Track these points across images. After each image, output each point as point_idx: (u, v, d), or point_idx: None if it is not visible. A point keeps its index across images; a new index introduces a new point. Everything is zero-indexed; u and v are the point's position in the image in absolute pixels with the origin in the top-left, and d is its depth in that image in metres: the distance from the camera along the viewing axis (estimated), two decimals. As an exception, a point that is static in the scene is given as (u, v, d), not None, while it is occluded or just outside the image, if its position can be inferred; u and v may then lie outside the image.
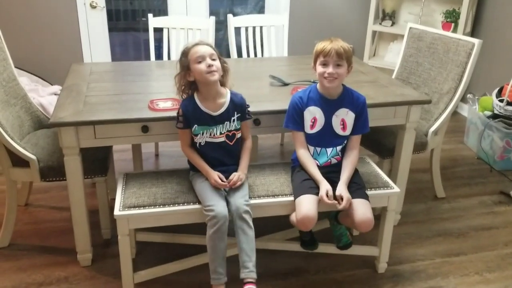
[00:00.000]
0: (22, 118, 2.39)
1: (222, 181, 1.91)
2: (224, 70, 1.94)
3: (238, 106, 1.95)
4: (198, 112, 1.91)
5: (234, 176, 1.92)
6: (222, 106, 1.93)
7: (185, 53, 1.90)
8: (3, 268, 2.20)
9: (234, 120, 1.94)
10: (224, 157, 1.98)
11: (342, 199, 1.90)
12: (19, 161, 2.16)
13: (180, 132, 1.96)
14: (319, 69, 1.92)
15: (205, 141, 1.94)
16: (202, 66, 1.84)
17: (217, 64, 1.87)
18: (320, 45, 1.92)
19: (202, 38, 1.97)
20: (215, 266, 1.89)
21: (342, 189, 1.92)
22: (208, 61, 1.84)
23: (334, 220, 2.16)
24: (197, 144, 1.95)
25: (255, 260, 1.88)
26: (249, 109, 1.99)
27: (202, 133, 1.93)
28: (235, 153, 2.01)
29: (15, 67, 2.49)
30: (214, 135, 1.93)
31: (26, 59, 3.82)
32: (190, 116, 1.91)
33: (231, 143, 1.97)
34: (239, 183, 1.92)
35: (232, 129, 1.95)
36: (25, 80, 3.64)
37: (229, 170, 1.98)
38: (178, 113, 1.94)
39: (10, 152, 2.14)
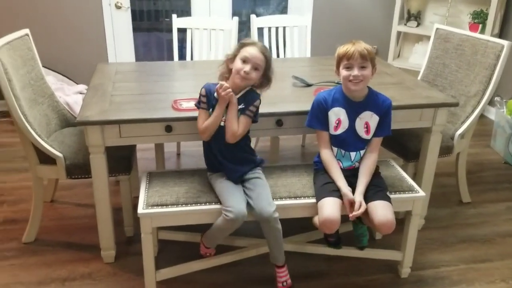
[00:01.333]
0: (49, 117, 2.43)
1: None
2: (262, 84, 1.93)
3: (247, 100, 1.92)
4: (214, 97, 1.91)
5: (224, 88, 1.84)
6: (237, 95, 1.92)
7: (241, 45, 1.89)
8: (29, 262, 2.24)
9: (238, 109, 1.91)
10: (227, 148, 1.94)
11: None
12: (46, 159, 2.20)
13: (200, 112, 1.93)
14: (343, 72, 1.90)
15: (220, 125, 1.93)
16: (240, 66, 1.84)
17: (254, 74, 1.86)
18: (342, 49, 1.90)
19: (263, 46, 1.94)
20: (213, 241, 2.08)
21: (360, 199, 1.90)
22: (248, 67, 1.84)
23: (357, 219, 2.13)
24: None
25: (283, 248, 2.01)
26: (258, 111, 1.95)
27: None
28: (239, 146, 1.96)
29: (42, 66, 2.54)
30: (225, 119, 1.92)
31: (52, 58, 3.89)
32: (211, 98, 1.90)
33: None
34: (228, 90, 1.83)
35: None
36: (52, 79, 3.71)
37: (236, 169, 1.97)
38: (200, 93, 1.93)
39: (37, 150, 2.18)
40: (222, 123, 1.92)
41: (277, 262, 2.04)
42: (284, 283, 2.05)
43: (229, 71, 1.92)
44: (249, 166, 2.02)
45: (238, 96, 1.91)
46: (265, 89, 1.96)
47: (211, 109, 1.92)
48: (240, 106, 1.91)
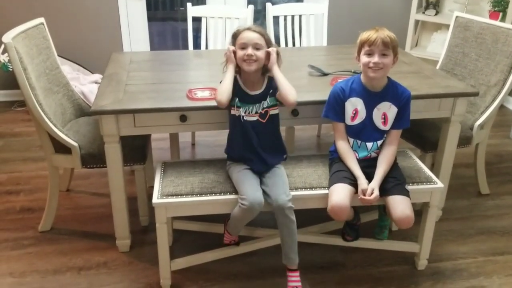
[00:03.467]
0: (64, 106, 2.43)
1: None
2: (272, 60, 1.89)
3: (272, 86, 1.92)
4: (237, 88, 1.91)
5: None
6: (260, 89, 1.92)
7: (234, 35, 1.90)
8: (46, 251, 2.27)
9: (268, 97, 1.92)
10: (255, 139, 1.94)
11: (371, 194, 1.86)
12: (61, 148, 2.21)
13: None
14: (364, 59, 1.86)
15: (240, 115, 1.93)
16: (242, 53, 1.84)
17: (259, 54, 1.84)
18: (365, 35, 1.86)
19: (255, 24, 1.92)
20: (235, 230, 2.07)
21: (375, 187, 1.87)
22: (249, 50, 1.83)
23: (383, 210, 2.11)
24: (239, 118, 1.92)
25: (297, 249, 1.93)
26: None
27: (239, 108, 1.92)
28: (268, 132, 1.96)
29: (58, 55, 2.54)
30: (249, 113, 1.92)
31: (67, 47, 3.91)
32: (232, 90, 1.89)
33: (264, 121, 1.94)
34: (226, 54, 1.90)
35: (265, 107, 1.93)
36: (67, 69, 3.72)
37: (267, 160, 1.97)
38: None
39: (52, 139, 2.19)
40: (255, 117, 1.92)
41: (290, 263, 1.94)
42: None
43: (237, 65, 1.91)
44: (278, 158, 2.02)
45: (262, 89, 1.91)
46: (280, 62, 1.93)
47: (237, 99, 1.90)
48: (270, 92, 1.92)
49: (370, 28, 1.86)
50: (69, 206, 2.64)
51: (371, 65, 1.83)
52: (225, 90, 1.86)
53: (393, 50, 1.84)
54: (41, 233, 2.39)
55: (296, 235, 1.91)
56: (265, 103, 1.93)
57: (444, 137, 2.29)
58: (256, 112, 1.92)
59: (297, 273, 1.97)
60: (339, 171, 1.94)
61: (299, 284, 1.95)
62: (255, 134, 1.94)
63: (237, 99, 1.91)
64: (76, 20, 3.96)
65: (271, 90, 1.93)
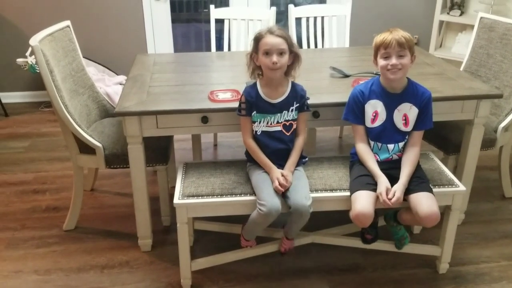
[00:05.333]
0: (90, 107, 2.48)
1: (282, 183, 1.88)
2: (293, 62, 1.90)
3: (298, 96, 1.93)
4: (259, 99, 1.91)
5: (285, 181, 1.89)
6: (282, 95, 1.92)
7: (257, 39, 1.87)
8: (70, 249, 2.32)
9: (292, 110, 1.92)
10: (279, 151, 1.95)
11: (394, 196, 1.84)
12: (86, 148, 2.25)
13: (242, 121, 1.95)
14: (381, 62, 1.85)
15: (262, 130, 1.94)
16: (267, 61, 1.83)
17: (283, 60, 1.83)
18: (379, 38, 1.85)
19: (276, 26, 1.92)
20: (251, 234, 2.09)
21: (398, 189, 1.85)
22: (274, 57, 1.81)
23: (392, 221, 2.08)
24: (254, 133, 1.96)
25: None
26: (308, 101, 1.96)
27: (260, 122, 1.92)
28: (291, 146, 1.98)
29: (83, 57, 2.60)
30: (271, 124, 1.92)
31: (93, 49, 3.98)
32: (252, 102, 1.91)
33: (288, 134, 1.95)
34: (288, 185, 1.88)
35: (290, 119, 1.94)
36: (93, 70, 3.80)
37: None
38: (240, 100, 1.94)
39: (77, 140, 2.24)
40: (278, 128, 1.93)
41: (289, 236, 2.11)
42: (287, 249, 2.15)
43: (259, 67, 1.91)
44: (298, 162, 2.01)
45: (285, 95, 1.92)
46: (299, 66, 1.93)
47: (254, 112, 1.91)
48: (295, 105, 1.93)
49: (384, 30, 1.86)
50: (93, 205, 2.69)
51: (389, 67, 1.83)
52: (252, 153, 1.96)
53: (410, 50, 1.83)
54: (65, 231, 2.45)
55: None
56: (289, 115, 1.93)
57: (467, 139, 2.26)
58: (278, 122, 1.93)
59: (292, 240, 2.13)
60: (360, 176, 1.93)
61: (291, 246, 2.15)
62: (275, 146, 1.94)
63: (254, 112, 1.92)
64: (101, 22, 4.04)
65: (295, 101, 1.92)
